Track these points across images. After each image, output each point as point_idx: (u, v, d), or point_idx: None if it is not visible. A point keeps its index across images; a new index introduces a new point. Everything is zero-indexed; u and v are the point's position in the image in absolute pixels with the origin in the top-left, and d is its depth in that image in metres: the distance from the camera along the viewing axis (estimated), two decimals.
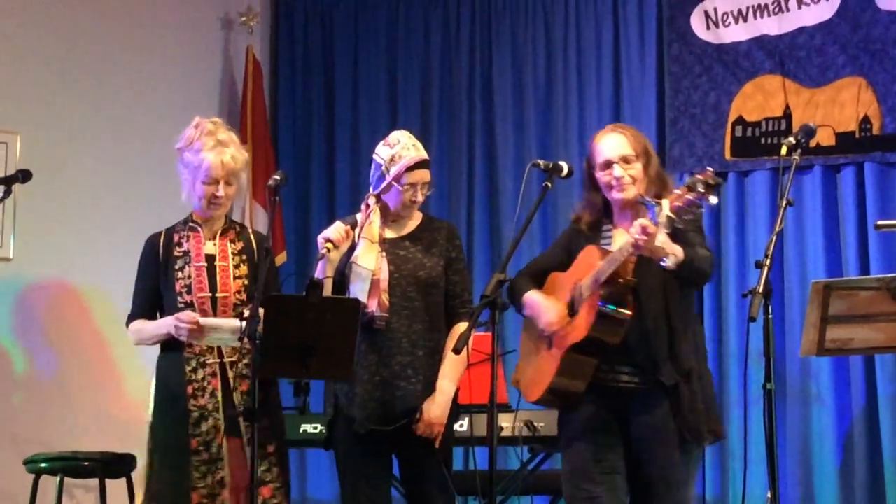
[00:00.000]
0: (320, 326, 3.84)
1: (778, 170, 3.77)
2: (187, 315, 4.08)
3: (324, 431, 4.43)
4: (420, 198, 4.15)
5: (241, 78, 6.91)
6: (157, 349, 4.31)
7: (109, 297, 5.84)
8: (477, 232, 6.67)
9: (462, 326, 3.97)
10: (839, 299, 3.71)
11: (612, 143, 3.87)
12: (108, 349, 6.01)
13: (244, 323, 3.90)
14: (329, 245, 4.08)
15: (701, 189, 3.37)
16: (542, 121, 6.64)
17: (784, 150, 3.71)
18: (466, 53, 6.83)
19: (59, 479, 5.21)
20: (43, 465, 5.24)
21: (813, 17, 6.07)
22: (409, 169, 4.10)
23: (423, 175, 4.14)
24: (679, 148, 6.29)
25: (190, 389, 4.13)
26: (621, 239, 3.68)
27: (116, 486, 5.36)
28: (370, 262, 4.10)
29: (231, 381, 4.15)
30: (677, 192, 3.45)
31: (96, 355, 6.04)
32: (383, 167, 4.13)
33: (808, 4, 6.08)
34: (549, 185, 3.92)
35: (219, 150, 4.18)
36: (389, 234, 4.20)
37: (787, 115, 6.08)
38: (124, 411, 6.04)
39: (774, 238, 3.51)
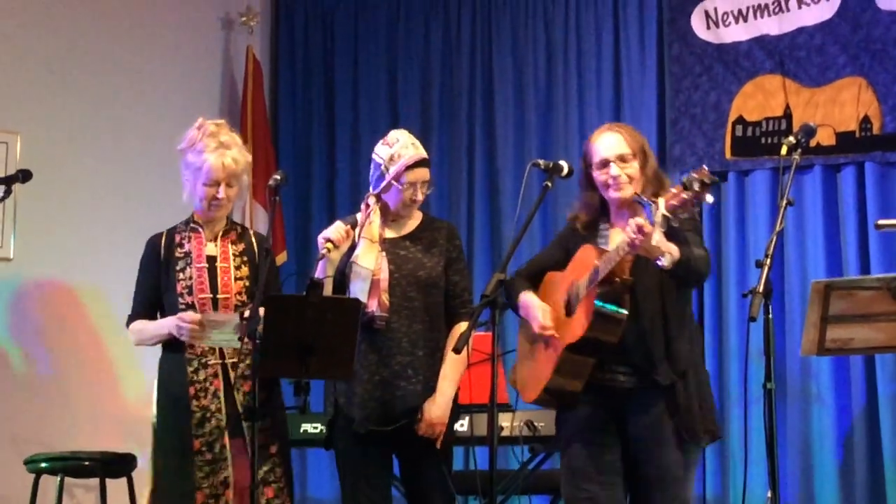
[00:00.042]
0: (320, 326, 3.84)
1: (778, 169, 3.77)
2: (190, 315, 4.09)
3: (324, 431, 4.43)
4: (420, 196, 4.15)
5: (241, 78, 6.91)
6: (156, 349, 4.31)
7: (109, 297, 5.85)
8: (477, 232, 6.67)
9: (462, 326, 3.97)
10: (839, 299, 3.71)
11: (608, 142, 3.87)
12: (107, 349, 6.02)
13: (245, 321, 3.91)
14: (329, 245, 4.08)
15: (697, 188, 3.37)
16: (542, 121, 6.64)
17: (784, 150, 3.71)
18: (467, 54, 6.83)
19: (59, 478, 5.21)
20: (43, 464, 5.24)
21: (813, 17, 6.07)
22: (409, 168, 4.10)
23: (423, 174, 4.14)
24: (680, 148, 6.29)
25: (192, 390, 4.14)
26: (618, 238, 3.68)
27: (117, 486, 5.36)
28: (370, 262, 4.10)
29: (233, 382, 4.15)
30: (673, 190, 3.45)
31: (96, 355, 6.04)
32: (382, 166, 4.13)
33: (808, 4, 6.08)
34: (550, 184, 3.92)
35: (220, 152, 4.18)
36: (389, 233, 4.19)
37: (788, 115, 6.08)
38: (124, 411, 6.05)
39: (775, 238, 3.51)
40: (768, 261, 3.46)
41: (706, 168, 3.42)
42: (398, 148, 4.12)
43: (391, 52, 6.98)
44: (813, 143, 3.87)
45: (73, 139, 6.10)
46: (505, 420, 4.99)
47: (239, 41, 6.95)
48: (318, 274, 4.09)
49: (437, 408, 4.05)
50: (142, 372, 5.56)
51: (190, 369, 4.15)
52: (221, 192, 4.20)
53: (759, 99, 6.15)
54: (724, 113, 6.23)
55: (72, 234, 6.01)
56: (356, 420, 4.07)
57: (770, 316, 3.47)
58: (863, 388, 5.77)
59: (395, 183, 4.11)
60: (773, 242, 3.50)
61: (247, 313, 3.93)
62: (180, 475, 4.12)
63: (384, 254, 4.13)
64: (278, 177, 4.17)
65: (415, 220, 4.25)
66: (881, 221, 4.76)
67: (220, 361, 4.17)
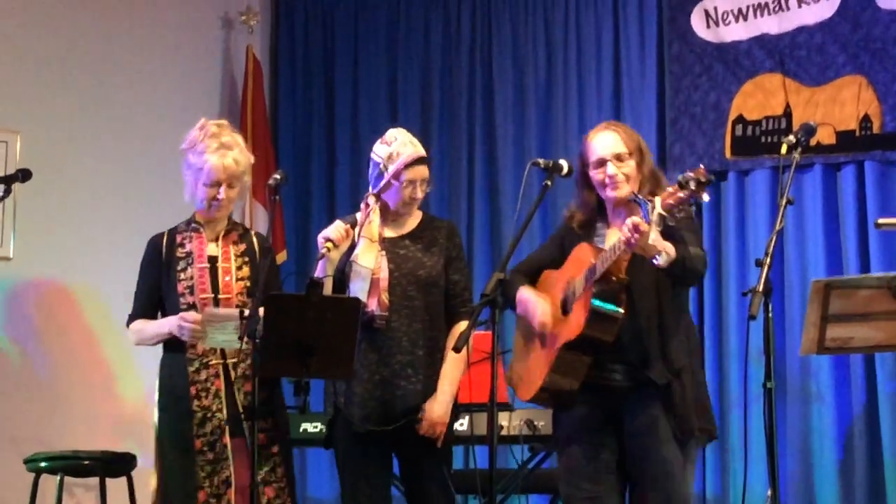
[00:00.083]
0: (320, 325, 3.84)
1: (778, 168, 3.77)
2: (192, 315, 4.09)
3: (324, 430, 4.43)
4: (419, 194, 4.15)
5: (241, 77, 6.91)
6: (157, 350, 4.31)
7: (109, 297, 5.85)
8: (477, 231, 6.67)
9: (462, 325, 3.97)
10: (839, 298, 3.71)
11: (605, 142, 3.86)
12: (107, 349, 6.02)
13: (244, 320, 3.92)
14: (329, 244, 4.08)
15: (693, 187, 3.37)
16: (542, 120, 6.64)
17: (784, 149, 3.70)
18: (466, 53, 6.84)
19: (59, 478, 5.21)
20: (43, 464, 5.24)
21: (813, 16, 6.07)
22: (408, 166, 4.10)
23: (422, 171, 4.13)
24: (679, 147, 6.29)
25: (193, 390, 4.14)
26: (614, 237, 3.68)
27: (117, 485, 5.36)
28: (370, 261, 4.10)
29: (234, 382, 4.15)
30: (669, 189, 3.45)
31: (96, 354, 6.04)
32: (381, 165, 4.13)
33: (808, 3, 6.08)
34: (549, 183, 3.91)
35: (221, 152, 4.18)
36: (389, 233, 4.19)
37: (788, 114, 6.08)
38: (124, 410, 6.05)
39: (775, 237, 3.50)
40: (768, 260, 3.46)
41: (702, 167, 3.42)
42: (396, 146, 4.12)
43: (391, 52, 6.98)
44: (813, 142, 3.87)
45: (72, 138, 6.10)
46: (505, 419, 4.99)
47: (239, 40, 6.95)
48: (317, 273, 4.09)
49: (438, 407, 4.05)
50: (141, 372, 5.56)
51: (191, 369, 4.16)
52: (222, 193, 4.20)
53: (759, 98, 6.15)
54: (723, 112, 6.22)
55: (71, 234, 6.01)
56: (356, 419, 4.07)
57: (770, 315, 3.47)
58: (863, 386, 5.77)
59: (394, 181, 4.12)
60: (773, 241, 3.49)
61: (247, 313, 3.93)
62: (183, 475, 4.12)
63: (384, 253, 4.13)
64: (278, 176, 4.17)
65: (414, 219, 4.25)
66: (881, 220, 4.76)
67: (221, 361, 4.17)
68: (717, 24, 6.28)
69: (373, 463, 4.13)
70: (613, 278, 3.67)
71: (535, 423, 4.96)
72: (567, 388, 3.78)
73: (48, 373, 5.89)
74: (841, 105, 5.95)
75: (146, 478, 4.48)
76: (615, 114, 6.41)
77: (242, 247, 4.29)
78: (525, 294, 3.92)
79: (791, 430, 5.86)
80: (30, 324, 5.88)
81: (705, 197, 3.39)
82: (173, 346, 4.19)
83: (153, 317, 4.28)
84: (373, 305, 4.06)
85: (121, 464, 5.32)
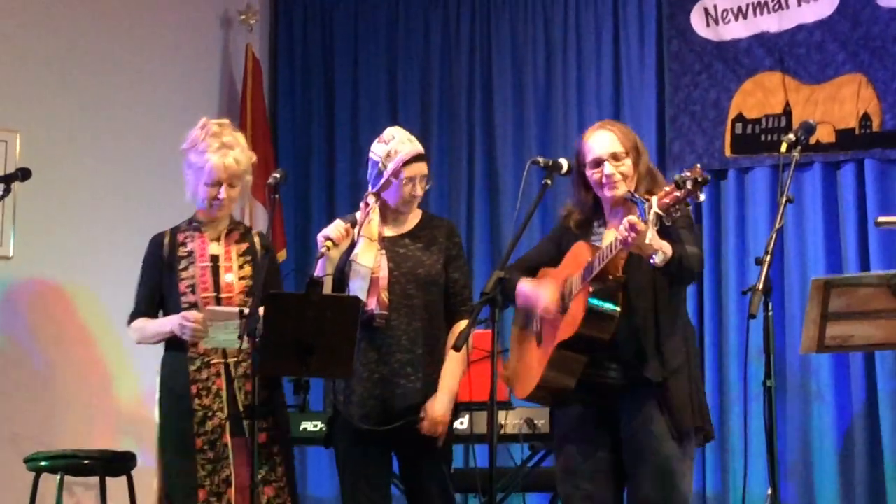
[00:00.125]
0: (320, 324, 3.84)
1: (778, 167, 3.77)
2: (194, 315, 4.09)
3: (324, 429, 4.43)
4: (419, 191, 4.15)
5: (240, 76, 6.91)
6: (156, 349, 4.31)
7: (109, 296, 5.85)
8: (477, 230, 6.67)
9: (462, 324, 3.97)
10: (839, 296, 3.71)
11: (601, 141, 3.86)
12: (108, 348, 6.01)
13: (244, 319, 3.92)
14: (329, 243, 4.08)
15: (689, 186, 3.37)
16: (541, 119, 6.64)
17: (784, 147, 3.70)
18: (466, 52, 6.84)
19: (59, 477, 5.21)
20: (43, 463, 5.24)
21: (813, 14, 6.07)
22: (406, 163, 4.10)
23: (421, 168, 4.13)
24: (679, 145, 6.29)
25: (194, 389, 4.14)
26: (612, 236, 3.68)
27: (117, 484, 5.36)
28: (369, 260, 4.10)
29: (235, 381, 4.16)
30: (666, 189, 3.45)
31: (96, 354, 6.04)
32: (380, 164, 4.13)
33: (807, 1, 6.08)
34: (549, 182, 3.91)
35: (223, 152, 4.18)
36: (389, 232, 4.19)
37: (787, 112, 6.08)
38: (124, 409, 6.05)
39: (774, 235, 3.50)
40: (768, 258, 3.46)
41: (699, 166, 3.42)
42: (394, 144, 4.12)
43: (390, 51, 6.98)
44: (813, 140, 3.87)
45: (72, 138, 6.10)
46: (505, 418, 4.99)
47: (238, 39, 6.95)
48: (317, 272, 4.09)
49: (439, 406, 4.05)
50: (141, 371, 5.57)
51: (192, 368, 4.16)
52: (223, 193, 4.20)
53: (759, 96, 6.15)
54: (723, 110, 6.22)
55: (71, 233, 6.01)
56: (355, 418, 4.07)
57: (770, 313, 3.47)
58: (862, 385, 5.77)
59: (393, 179, 4.11)
60: (773, 240, 3.50)
61: (246, 311, 3.93)
62: (183, 473, 4.12)
63: (383, 252, 4.13)
64: (277, 175, 4.17)
65: (414, 217, 4.25)
66: (881, 218, 4.77)
67: (222, 361, 4.17)
68: (716, 22, 6.28)
69: (373, 462, 4.12)
70: (610, 277, 3.67)
71: (535, 421, 4.96)
72: (563, 387, 3.78)
73: (48, 372, 5.89)
74: (840, 103, 5.95)
75: (146, 477, 4.49)
76: (615, 112, 6.41)
77: (244, 246, 4.29)
78: (525, 284, 3.92)
79: (791, 429, 5.86)
80: (30, 323, 5.88)
81: (701, 196, 3.39)
82: (175, 344, 4.19)
83: (154, 315, 4.28)
84: (372, 304, 4.06)
85: (121, 463, 5.32)
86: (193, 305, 4.16)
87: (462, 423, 4.87)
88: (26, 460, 5.26)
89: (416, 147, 4.15)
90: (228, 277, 4.22)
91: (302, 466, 6.53)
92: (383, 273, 4.09)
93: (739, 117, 6.19)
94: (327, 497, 6.50)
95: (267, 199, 4.44)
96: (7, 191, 4.60)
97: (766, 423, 3.48)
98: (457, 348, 3.75)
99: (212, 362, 4.16)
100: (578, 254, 3.79)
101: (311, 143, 7.05)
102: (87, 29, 6.24)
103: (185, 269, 4.22)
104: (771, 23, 6.16)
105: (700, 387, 3.89)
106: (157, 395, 4.25)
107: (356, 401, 4.08)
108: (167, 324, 4.18)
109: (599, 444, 3.83)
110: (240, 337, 3.94)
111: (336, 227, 4.12)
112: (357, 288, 4.08)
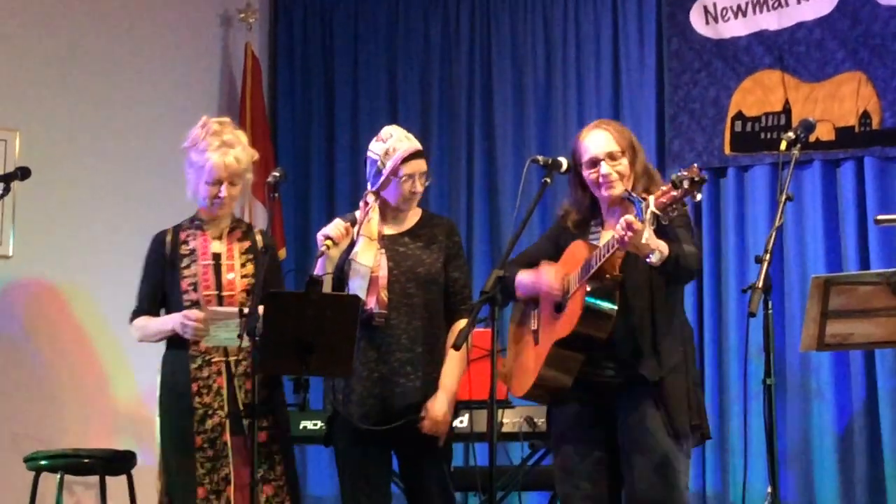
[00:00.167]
0: (320, 323, 3.84)
1: (777, 165, 3.77)
2: (195, 313, 4.10)
3: (324, 428, 4.43)
4: (419, 188, 4.15)
5: (239, 75, 6.91)
6: (156, 348, 4.31)
7: (109, 295, 5.85)
8: (476, 229, 6.67)
9: (462, 323, 3.96)
10: (839, 294, 3.71)
11: (597, 141, 3.85)
12: (109, 347, 6.02)
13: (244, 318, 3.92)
14: (329, 242, 4.08)
15: (686, 186, 3.37)
16: (541, 118, 6.64)
17: (783, 145, 3.70)
18: (466, 51, 6.83)
19: (59, 476, 5.21)
20: (43, 462, 5.24)
21: (812, 12, 6.06)
22: (405, 160, 4.10)
23: (420, 165, 4.13)
24: (679, 143, 6.29)
25: (195, 387, 4.15)
26: (609, 236, 3.68)
27: (117, 483, 5.36)
28: (369, 259, 4.10)
29: (235, 380, 4.16)
30: (662, 188, 3.45)
31: (96, 353, 6.04)
32: (379, 162, 4.13)
33: None
34: (549, 180, 3.90)
35: (223, 150, 4.19)
36: (388, 230, 4.19)
37: (787, 110, 6.08)
38: (124, 408, 6.05)
39: (774, 233, 3.50)
40: (768, 256, 3.46)
41: (696, 166, 3.41)
42: (392, 142, 4.12)
43: (390, 49, 6.98)
44: (812, 138, 3.86)
45: (72, 136, 6.10)
46: (505, 416, 4.99)
47: (238, 38, 6.95)
48: (317, 271, 4.09)
49: (441, 406, 4.04)
50: (141, 370, 5.57)
51: (193, 366, 4.16)
52: (224, 191, 4.21)
53: (759, 94, 6.15)
54: (723, 108, 6.22)
55: (71, 232, 6.02)
56: (355, 417, 4.07)
57: (770, 311, 3.47)
58: (863, 383, 5.77)
59: (393, 177, 4.11)
60: (773, 238, 3.49)
61: (246, 310, 3.93)
62: (183, 471, 4.13)
63: (383, 251, 4.13)
64: (277, 174, 4.17)
65: (414, 216, 4.25)
66: (880, 217, 4.76)
67: (223, 359, 4.17)
68: (716, 20, 6.28)
69: (372, 461, 4.12)
70: (607, 276, 3.67)
71: (535, 419, 4.96)
72: (561, 385, 3.78)
73: (48, 371, 5.89)
74: (840, 101, 5.95)
75: (146, 476, 4.49)
76: (614, 111, 6.41)
77: (246, 244, 4.30)
78: (524, 274, 3.91)
79: (791, 427, 5.86)
80: (30, 322, 5.88)
81: (698, 196, 3.39)
82: (176, 342, 4.20)
83: (156, 314, 4.29)
84: (371, 303, 4.05)
85: (121, 462, 5.32)
86: (195, 303, 4.17)
87: (462, 422, 4.87)
88: (26, 459, 5.26)
89: (414, 144, 4.14)
90: (230, 275, 4.22)
91: (302, 465, 6.53)
92: (383, 272, 4.09)
93: (739, 115, 6.19)
94: (327, 496, 6.50)
95: (266, 197, 4.43)
96: (7, 190, 4.60)
97: (766, 422, 3.47)
98: (456, 347, 3.75)
99: (213, 360, 4.17)
100: (576, 252, 3.79)
101: (310, 142, 7.05)
102: (86, 28, 6.25)
103: (188, 267, 4.23)
104: (770, 21, 6.16)
105: (698, 386, 3.89)
106: (158, 393, 4.26)
107: (356, 400, 4.08)
108: (169, 322, 4.19)
109: (597, 444, 3.83)
110: (239, 336, 3.95)
111: (336, 226, 4.12)
112: (356, 287, 4.08)
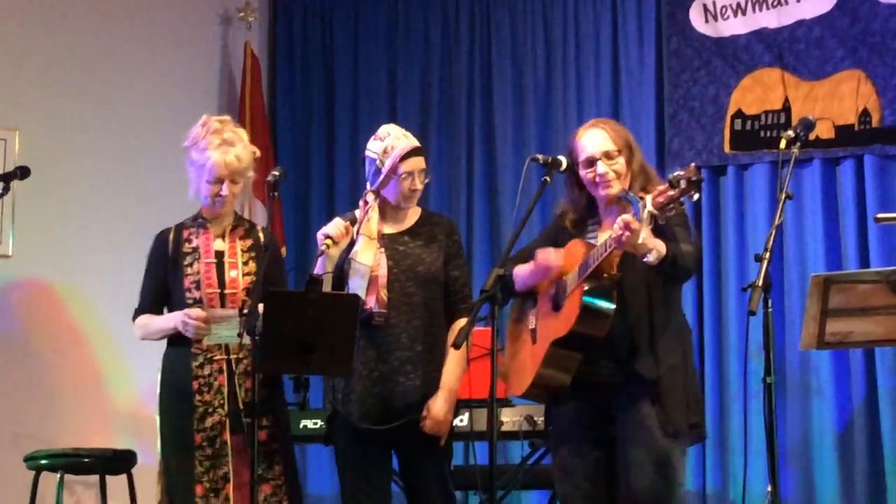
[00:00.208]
0: (320, 322, 3.84)
1: (777, 163, 3.77)
2: (196, 312, 4.10)
3: (324, 427, 4.43)
4: (419, 185, 4.14)
5: (239, 74, 6.91)
6: (158, 347, 4.31)
7: (108, 295, 5.85)
8: (476, 228, 6.67)
9: (462, 322, 3.96)
10: (839, 292, 3.71)
11: (593, 140, 3.85)
12: (108, 346, 6.01)
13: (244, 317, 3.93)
14: (328, 241, 4.08)
15: (683, 185, 3.37)
16: (541, 117, 6.64)
17: (783, 144, 3.70)
18: (466, 51, 6.83)
19: (59, 475, 5.22)
20: (43, 461, 5.24)
21: (812, 10, 6.06)
22: (404, 157, 4.09)
23: (419, 162, 4.13)
24: (678, 142, 6.29)
25: (196, 385, 4.15)
26: (606, 236, 3.67)
27: (117, 483, 5.36)
28: (368, 259, 4.10)
29: (236, 378, 4.16)
30: (660, 188, 3.45)
31: (96, 352, 6.04)
32: (378, 161, 4.13)
33: None
34: (549, 179, 3.90)
35: (223, 149, 4.19)
36: (388, 229, 4.19)
37: (787, 109, 6.07)
38: (124, 408, 6.05)
39: (774, 231, 3.50)
40: (767, 255, 3.46)
41: (694, 165, 3.41)
42: (390, 141, 4.12)
43: (390, 49, 6.98)
44: (812, 136, 3.86)
45: (71, 136, 6.10)
46: (505, 415, 4.99)
47: (237, 37, 6.95)
48: (317, 270, 4.09)
49: (442, 405, 4.04)
50: (141, 369, 5.56)
51: (195, 364, 4.16)
52: (225, 190, 4.21)
53: (758, 92, 6.15)
54: (722, 107, 6.22)
55: (70, 232, 6.02)
56: (354, 417, 4.07)
57: (769, 310, 3.47)
58: (862, 381, 5.77)
59: (392, 175, 4.11)
60: (773, 236, 3.49)
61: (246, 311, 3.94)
62: (182, 469, 4.13)
63: (383, 250, 4.13)
64: (277, 172, 4.18)
65: (413, 215, 4.24)
66: (880, 215, 4.76)
67: (225, 357, 4.18)
68: (715, 18, 6.28)
69: (372, 461, 4.12)
70: (605, 275, 3.67)
71: (535, 418, 4.96)
72: (559, 384, 3.78)
73: (48, 370, 5.89)
74: (840, 99, 5.95)
75: (146, 475, 4.49)
76: (614, 109, 6.41)
77: (249, 242, 4.30)
78: (521, 267, 3.90)
79: (791, 425, 5.86)
80: (29, 321, 5.88)
81: (695, 196, 3.39)
82: (177, 340, 4.20)
83: (159, 312, 4.29)
84: (371, 303, 4.05)
85: (121, 461, 5.32)
86: (198, 301, 4.18)
87: (462, 421, 4.87)
88: (26, 459, 5.27)
89: (413, 142, 4.14)
90: (233, 273, 4.22)
91: (302, 464, 6.54)
92: (382, 271, 4.09)
93: (738, 114, 6.19)
94: (328, 495, 6.50)
95: (266, 196, 4.43)
96: (6, 189, 4.61)
97: (766, 420, 3.47)
98: (456, 346, 3.75)
99: (214, 358, 4.17)
100: (573, 252, 3.79)
101: (310, 141, 7.05)
102: (86, 27, 6.25)
103: (190, 265, 4.23)
104: (770, 19, 6.15)
105: (695, 386, 3.88)
106: (158, 391, 4.26)
107: (356, 399, 4.08)
108: (171, 320, 4.19)
109: (596, 443, 3.83)
110: (239, 335, 3.96)
111: (336, 225, 4.12)
112: (356, 286, 4.08)
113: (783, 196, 3.56)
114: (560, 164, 3.90)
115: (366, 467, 4.11)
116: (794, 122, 5.43)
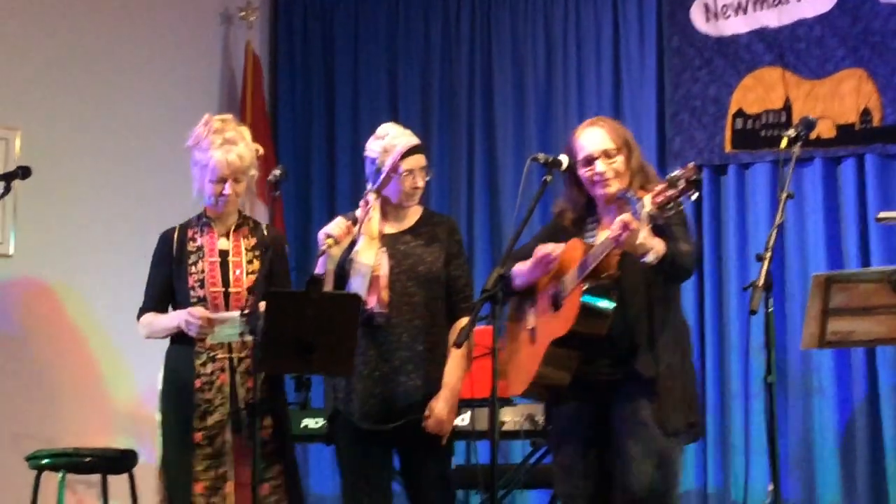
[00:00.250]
0: (321, 322, 3.84)
1: (778, 162, 3.76)
2: (199, 311, 4.09)
3: (325, 426, 4.43)
4: (420, 183, 4.14)
5: (240, 73, 6.91)
6: (159, 346, 4.31)
7: (109, 294, 5.85)
8: (477, 227, 6.67)
9: (464, 321, 3.96)
10: (840, 292, 3.71)
11: (592, 138, 3.84)
12: (111, 345, 6.02)
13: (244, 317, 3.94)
14: (330, 241, 4.07)
15: (682, 185, 3.37)
16: (542, 116, 6.64)
17: (784, 143, 3.70)
18: (466, 50, 6.83)
19: (61, 475, 5.21)
20: (45, 461, 5.24)
21: (812, 9, 6.06)
22: (404, 155, 4.09)
23: (420, 160, 4.13)
24: (679, 141, 6.29)
25: (198, 383, 4.15)
26: (605, 235, 3.67)
27: (118, 482, 5.36)
28: (370, 258, 4.09)
29: (237, 377, 4.16)
30: (658, 188, 3.45)
31: (98, 352, 6.05)
32: (378, 160, 4.12)
33: None
34: (549, 179, 3.90)
35: (226, 148, 4.19)
36: (389, 229, 4.18)
37: (788, 108, 6.08)
38: (126, 407, 6.05)
39: (775, 231, 3.50)
40: (768, 254, 3.46)
41: (692, 165, 3.41)
42: (390, 139, 4.12)
43: (391, 48, 6.98)
44: (813, 135, 3.86)
45: (72, 135, 6.10)
46: (506, 414, 4.99)
47: (238, 36, 6.95)
48: (318, 270, 4.09)
49: (444, 405, 4.03)
50: (143, 369, 5.55)
51: (198, 362, 4.16)
52: (228, 189, 4.21)
53: (759, 92, 6.15)
54: (723, 106, 6.22)
55: (72, 231, 6.02)
56: (355, 416, 4.07)
57: (770, 309, 3.47)
58: (864, 380, 5.77)
59: (393, 174, 4.11)
60: (774, 236, 3.49)
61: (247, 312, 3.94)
62: (181, 467, 4.12)
63: (384, 250, 4.12)
64: (278, 172, 4.17)
65: (415, 214, 4.24)
66: (881, 214, 4.77)
67: (227, 356, 4.18)
68: (716, 17, 6.28)
69: (373, 461, 4.11)
70: (604, 274, 3.67)
71: (537, 418, 4.96)
72: (558, 383, 3.78)
73: (50, 370, 5.89)
74: (841, 98, 5.95)
75: (147, 475, 4.49)
76: (615, 109, 6.41)
77: (253, 241, 4.30)
78: (521, 264, 3.89)
79: (793, 424, 5.86)
80: (31, 321, 5.88)
81: (694, 195, 3.38)
82: (181, 338, 4.20)
83: (164, 310, 4.29)
84: (372, 303, 4.05)
85: (122, 461, 5.32)
86: (202, 300, 4.17)
87: (463, 420, 4.87)
88: (28, 458, 5.26)
89: (413, 139, 4.14)
90: (237, 272, 4.23)
91: (304, 464, 6.54)
92: (383, 271, 4.08)
93: (740, 113, 6.19)
94: (329, 494, 6.50)
95: (267, 196, 4.43)
96: (7, 189, 4.60)
97: (767, 419, 3.47)
98: (457, 345, 3.75)
99: (217, 357, 4.17)
100: (572, 251, 3.79)
101: (311, 141, 7.05)
102: (86, 27, 6.24)
103: (195, 263, 4.23)
104: (771, 18, 6.16)
105: (693, 386, 3.88)
106: (160, 388, 4.26)
107: (357, 399, 4.07)
108: (174, 319, 4.19)
109: (596, 443, 3.82)
110: (241, 334, 3.96)
111: (337, 225, 4.11)
112: (357, 286, 4.07)
113: (784, 195, 3.56)
114: (561, 163, 3.90)
115: (366, 467, 4.11)
116: (795, 121, 5.42)
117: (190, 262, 4.24)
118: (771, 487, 3.49)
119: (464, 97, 6.81)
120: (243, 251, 4.26)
